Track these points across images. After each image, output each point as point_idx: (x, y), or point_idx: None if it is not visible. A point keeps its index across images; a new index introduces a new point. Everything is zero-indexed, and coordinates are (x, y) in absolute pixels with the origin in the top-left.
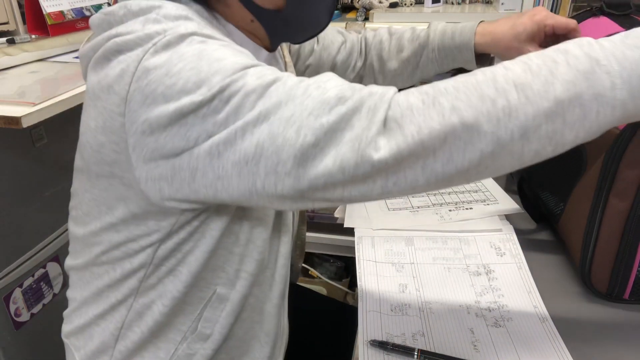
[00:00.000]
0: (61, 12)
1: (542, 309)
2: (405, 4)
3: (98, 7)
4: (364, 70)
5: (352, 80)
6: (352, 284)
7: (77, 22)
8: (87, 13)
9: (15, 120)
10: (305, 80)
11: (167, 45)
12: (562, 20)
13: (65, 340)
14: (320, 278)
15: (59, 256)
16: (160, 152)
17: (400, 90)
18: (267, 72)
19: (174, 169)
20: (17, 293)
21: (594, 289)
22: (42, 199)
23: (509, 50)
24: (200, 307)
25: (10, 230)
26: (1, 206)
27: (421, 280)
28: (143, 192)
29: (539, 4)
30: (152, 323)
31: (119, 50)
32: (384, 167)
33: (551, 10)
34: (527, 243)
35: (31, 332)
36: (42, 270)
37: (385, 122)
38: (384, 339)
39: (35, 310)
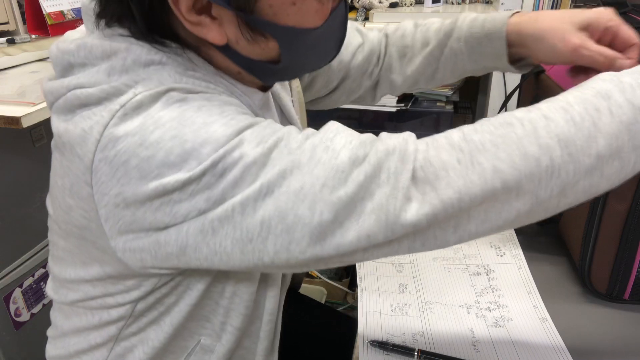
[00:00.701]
0: (61, 12)
1: (542, 309)
2: (405, 4)
3: None
4: (380, 73)
5: (369, 87)
6: (352, 284)
7: (77, 22)
8: None
9: (15, 120)
10: (310, 138)
11: (139, 107)
12: (628, 31)
13: None
14: (320, 278)
15: None
16: (139, 225)
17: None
18: (265, 133)
19: (158, 243)
20: (17, 293)
21: (594, 289)
22: (42, 199)
23: (552, 31)
24: (183, 356)
25: (10, 230)
26: (1, 206)
27: (421, 280)
28: (120, 260)
29: (539, 5)
30: None
31: (83, 104)
32: (414, 230)
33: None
34: (527, 243)
35: (31, 332)
36: (42, 270)
37: (416, 185)
38: (384, 339)
39: (35, 310)
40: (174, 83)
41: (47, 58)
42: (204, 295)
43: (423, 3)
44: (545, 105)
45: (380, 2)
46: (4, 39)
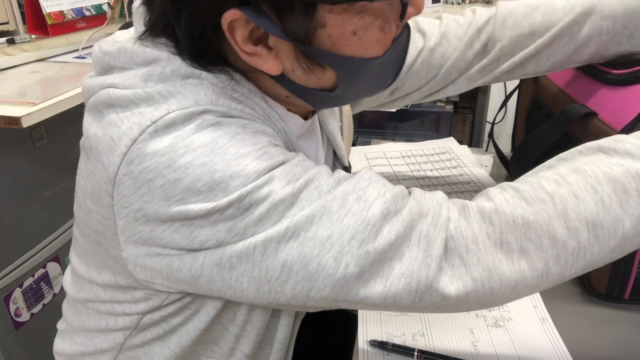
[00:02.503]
0: (61, 12)
1: (542, 309)
2: None
3: (98, 7)
4: (485, 67)
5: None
6: None
7: (77, 22)
8: (87, 13)
9: (15, 120)
10: (342, 184)
11: (170, 126)
12: None
13: (56, 357)
14: None
15: (59, 256)
16: (155, 241)
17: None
18: (296, 171)
19: (171, 268)
20: (17, 293)
21: (593, 289)
22: (42, 199)
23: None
24: None
25: (10, 230)
26: (1, 206)
27: None
28: (131, 273)
29: None
30: None
31: (111, 104)
32: (441, 303)
33: None
34: None
35: (31, 332)
36: (42, 270)
37: (445, 255)
38: (384, 339)
39: (35, 310)
40: (210, 104)
41: (47, 58)
42: (214, 320)
43: None
44: (575, 180)
45: None
46: (4, 39)
